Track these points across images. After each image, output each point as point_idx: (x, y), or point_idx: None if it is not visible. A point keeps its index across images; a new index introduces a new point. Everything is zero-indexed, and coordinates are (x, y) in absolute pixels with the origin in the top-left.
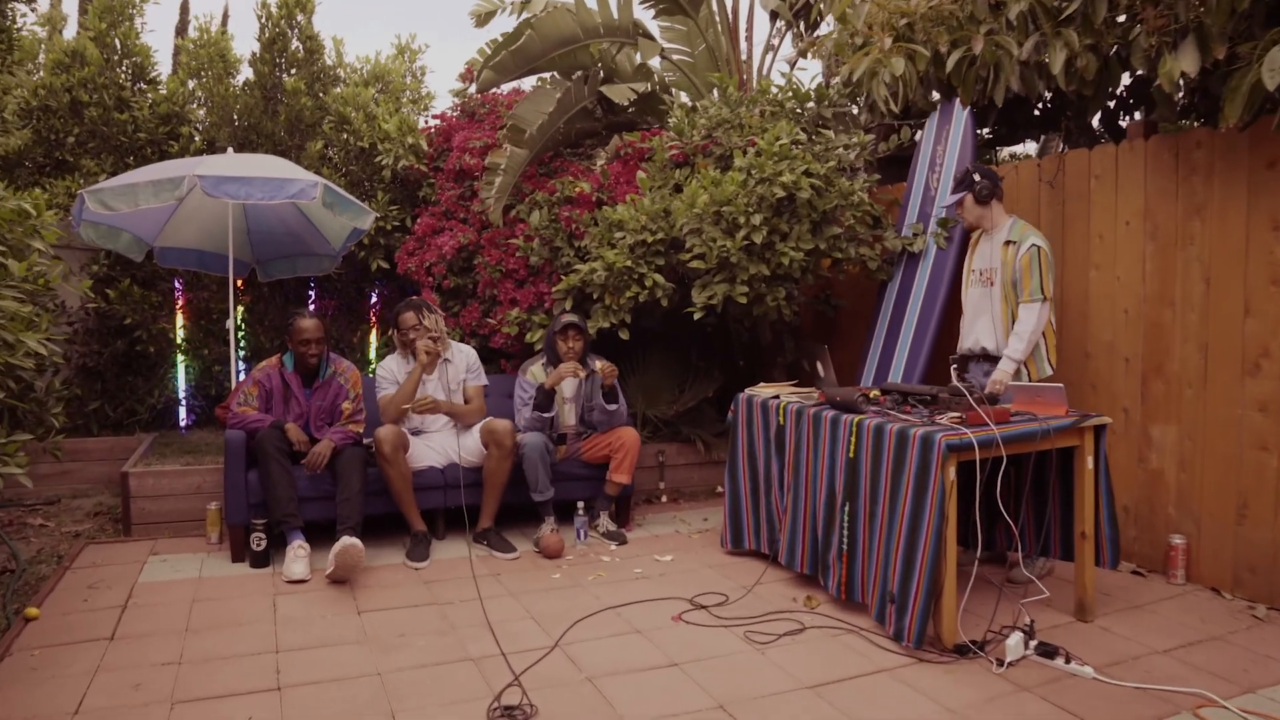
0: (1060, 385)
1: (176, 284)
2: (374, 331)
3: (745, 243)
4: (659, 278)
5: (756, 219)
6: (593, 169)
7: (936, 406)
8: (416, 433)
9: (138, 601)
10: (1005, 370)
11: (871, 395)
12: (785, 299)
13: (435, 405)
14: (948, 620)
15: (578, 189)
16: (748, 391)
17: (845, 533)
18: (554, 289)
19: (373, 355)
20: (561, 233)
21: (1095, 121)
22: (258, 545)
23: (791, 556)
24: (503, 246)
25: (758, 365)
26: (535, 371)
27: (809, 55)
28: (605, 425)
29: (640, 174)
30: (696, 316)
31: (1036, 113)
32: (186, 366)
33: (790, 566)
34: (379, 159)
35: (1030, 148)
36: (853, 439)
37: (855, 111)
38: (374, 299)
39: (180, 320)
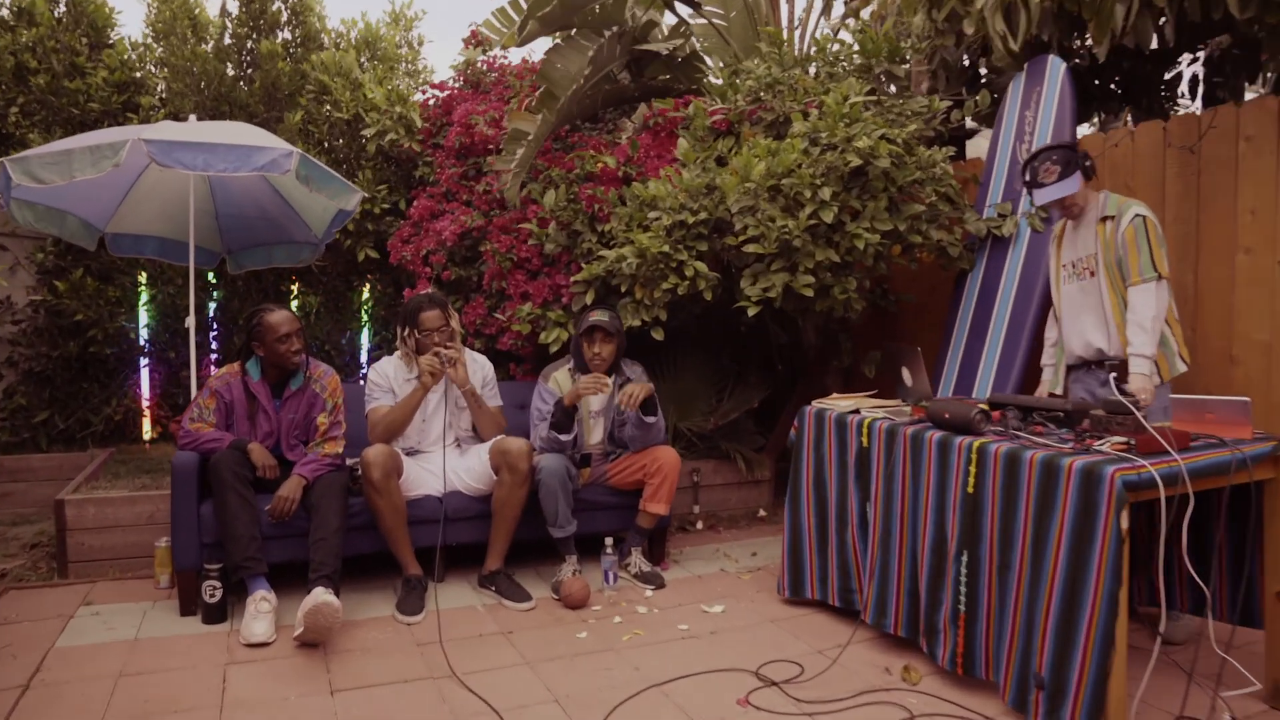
0: (1245, 399)
1: (140, 277)
2: (365, 331)
3: (811, 223)
4: (701, 266)
5: (826, 193)
6: (618, 142)
7: (1085, 427)
8: (411, 453)
9: (46, 677)
10: (1142, 373)
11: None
12: (855, 291)
13: (455, 352)
14: (1116, 712)
15: (600, 164)
16: (817, 404)
17: (962, 590)
18: (572, 280)
19: (364, 359)
20: (582, 215)
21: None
22: (211, 596)
23: (880, 614)
24: (514, 232)
25: (800, 370)
26: (559, 379)
27: (858, 17)
28: (638, 444)
29: (681, 143)
30: (751, 313)
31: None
32: (152, 372)
33: (879, 626)
34: (364, 132)
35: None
36: (972, 468)
37: (928, 67)
38: (365, 294)
39: (144, 318)
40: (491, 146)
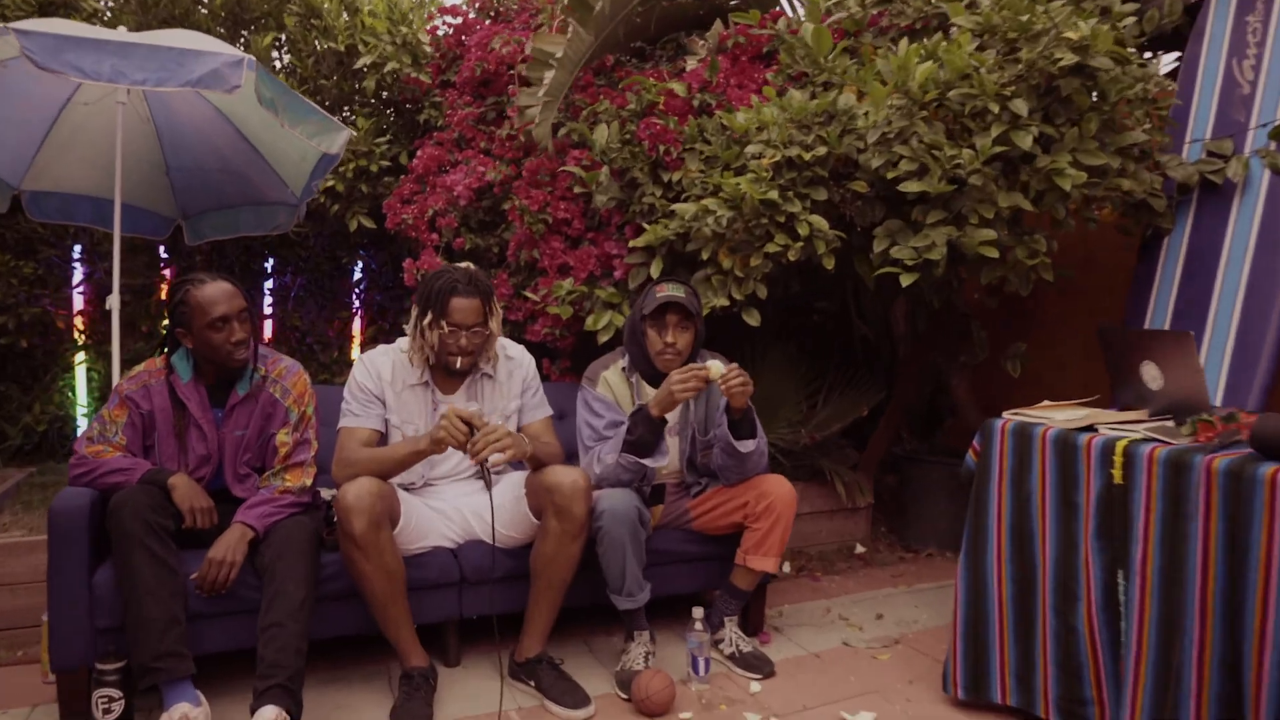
0: None
1: (75, 250)
2: (357, 320)
3: (999, 150)
4: (819, 221)
5: (1020, 106)
6: (684, 70)
7: None
8: (413, 488)
9: None
10: None
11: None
12: (1046, 255)
13: (510, 443)
14: None
15: (664, 93)
16: (1013, 417)
17: None
18: (630, 247)
19: (357, 354)
20: (641, 158)
21: None
22: (106, 711)
23: None
24: (547, 185)
25: (892, 368)
26: (610, 381)
27: None
28: (733, 474)
29: (791, 53)
30: (905, 283)
31: None
32: (90, 371)
33: None
34: (359, 64)
35: None
36: None
37: None
38: (357, 273)
39: (79, 304)
40: (510, 82)
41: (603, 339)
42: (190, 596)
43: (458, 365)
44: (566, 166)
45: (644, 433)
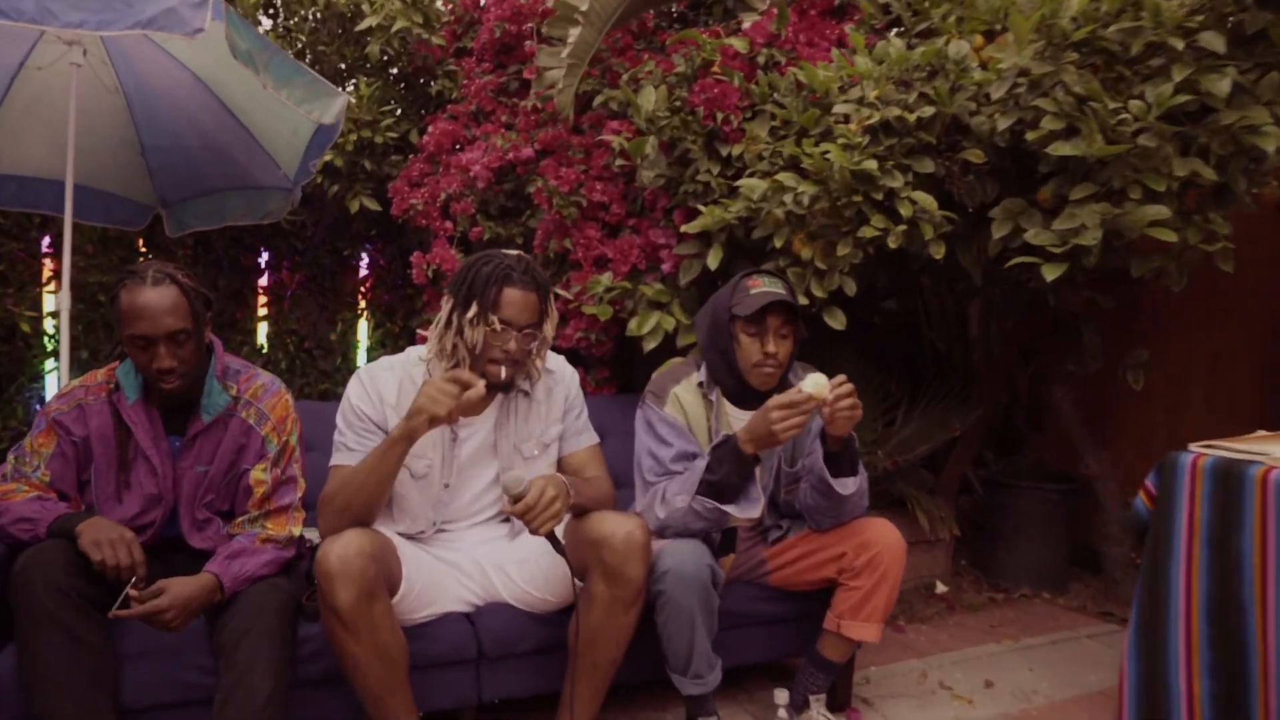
0: None
1: (44, 243)
2: (363, 321)
3: (1180, 100)
4: (927, 200)
5: (1214, 41)
6: (740, 27)
7: None
8: (421, 536)
9: None
10: None
11: None
12: (1226, 241)
13: (557, 497)
14: None
15: (721, 50)
16: (1206, 450)
17: None
18: (681, 233)
19: (363, 360)
20: (696, 127)
21: None
22: None
23: None
24: (579, 163)
25: (970, 380)
26: (684, 401)
27: None
28: (825, 517)
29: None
30: (1050, 276)
31: None
32: (59, 375)
33: None
34: (363, 26)
35: None
36: None
37: None
38: (363, 267)
39: (50, 304)
40: (535, 26)
41: (648, 345)
42: (120, 677)
43: (501, 376)
44: (605, 137)
45: (730, 472)
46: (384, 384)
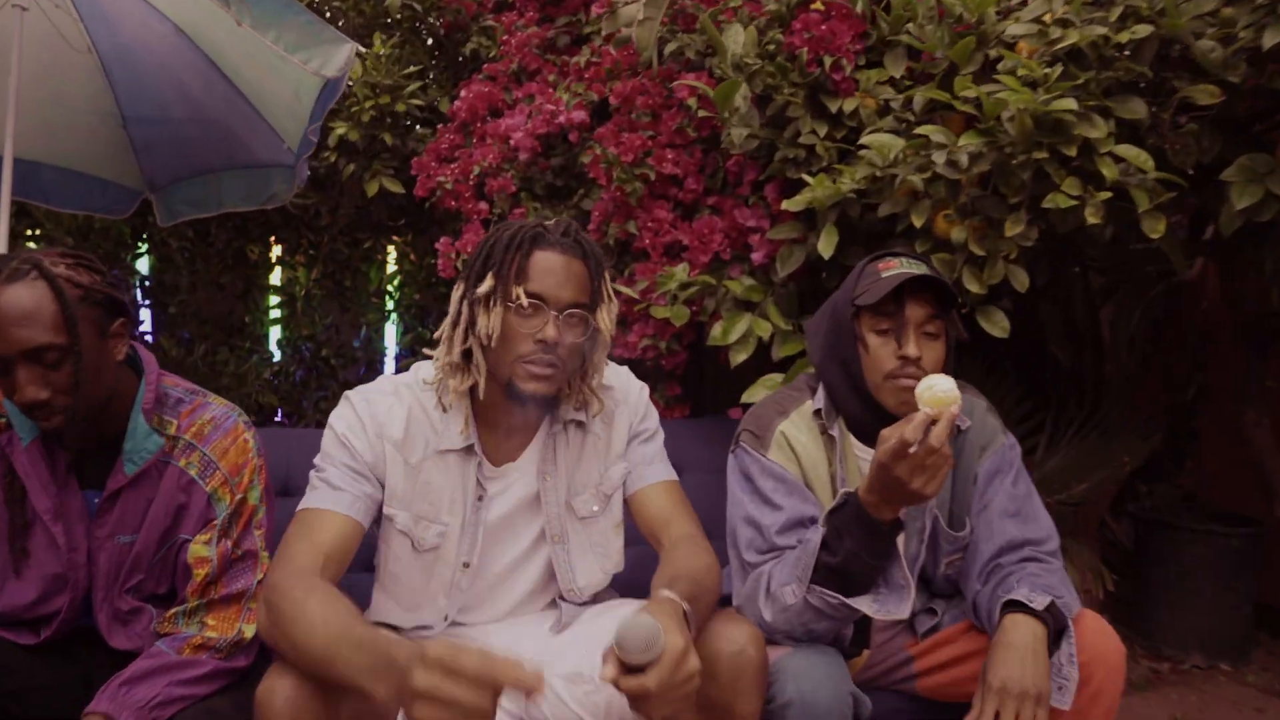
0: None
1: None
2: (390, 325)
3: None
4: (1136, 155)
5: None
6: None
7: None
8: (428, 634)
9: None
10: None
11: None
12: None
13: (694, 676)
14: None
15: None
16: None
17: None
18: (781, 210)
19: (390, 362)
20: (796, 77)
21: None
22: None
23: None
24: (647, 127)
25: (1100, 396)
26: (796, 440)
27: None
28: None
29: None
30: None
31: None
32: None
33: None
34: None
35: None
36: None
37: None
38: (390, 262)
39: None
40: None
41: (736, 357)
42: None
43: (529, 388)
44: (684, 81)
45: (858, 550)
46: (385, 412)
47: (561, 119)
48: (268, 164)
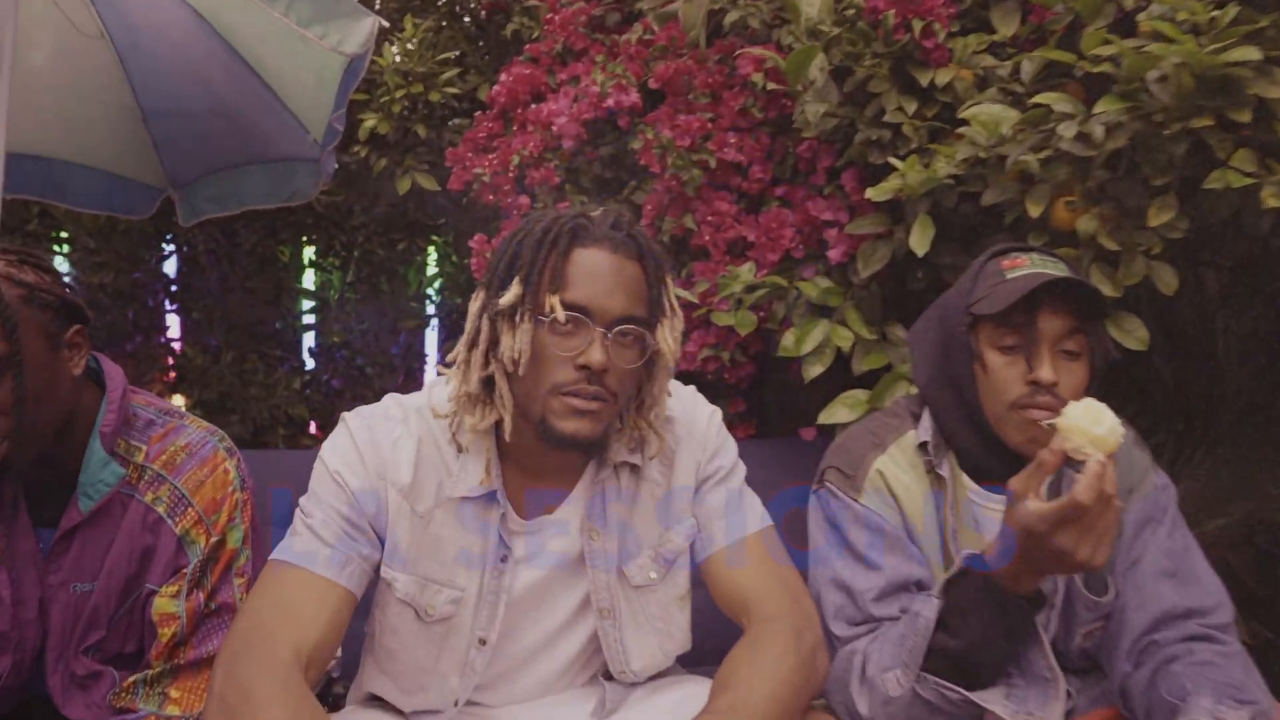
0: None
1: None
2: (431, 332)
3: None
4: None
5: None
6: None
7: None
8: (434, 715)
9: None
10: None
11: None
12: None
13: None
14: None
15: None
16: None
17: None
18: (864, 199)
19: (431, 371)
20: (875, 46)
21: None
22: None
23: None
24: (706, 109)
25: (1212, 416)
26: (896, 481)
27: None
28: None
29: None
30: None
31: None
32: None
33: None
34: None
35: None
36: None
37: None
38: (430, 263)
39: None
40: None
41: (810, 371)
42: None
43: (569, 428)
44: (747, 50)
45: (986, 630)
46: (391, 446)
47: (611, 102)
48: (291, 158)
